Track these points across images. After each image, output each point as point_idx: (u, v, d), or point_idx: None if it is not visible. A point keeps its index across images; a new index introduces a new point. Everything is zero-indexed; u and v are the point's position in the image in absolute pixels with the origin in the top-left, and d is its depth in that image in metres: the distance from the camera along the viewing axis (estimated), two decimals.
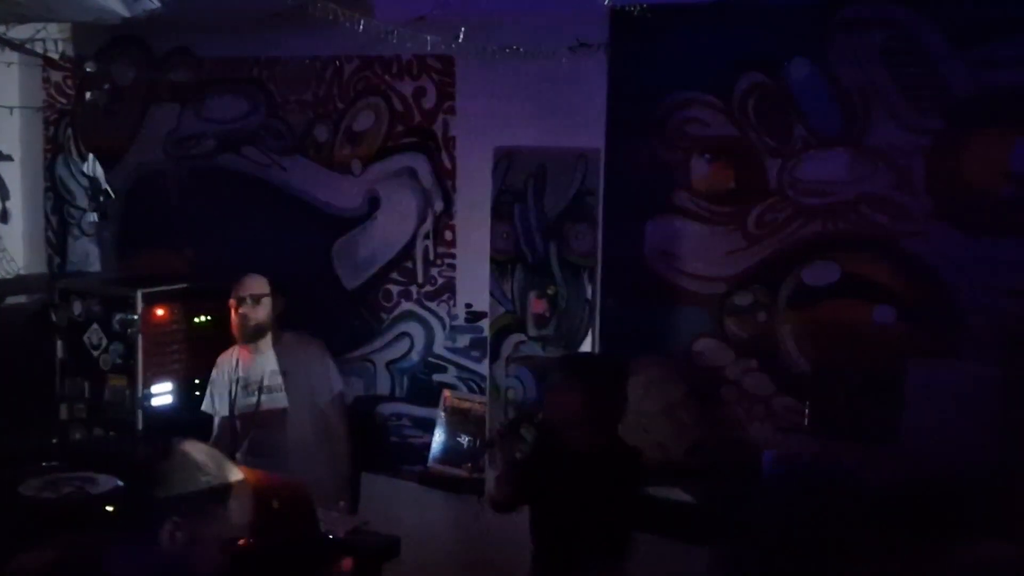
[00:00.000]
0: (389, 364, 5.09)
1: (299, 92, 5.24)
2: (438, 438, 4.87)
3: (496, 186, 4.50)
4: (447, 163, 4.86)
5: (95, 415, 5.03)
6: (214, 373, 4.69)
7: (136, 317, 4.90)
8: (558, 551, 3.68)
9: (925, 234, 3.83)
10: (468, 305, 4.84)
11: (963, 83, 3.74)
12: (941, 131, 3.78)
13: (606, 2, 4.02)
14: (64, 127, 6.07)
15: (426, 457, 4.89)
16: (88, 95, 5.82)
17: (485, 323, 4.67)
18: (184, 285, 5.16)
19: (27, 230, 6.20)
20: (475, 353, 4.82)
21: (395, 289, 5.05)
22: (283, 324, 4.69)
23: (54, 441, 5.01)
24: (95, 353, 5.02)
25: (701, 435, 4.24)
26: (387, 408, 5.10)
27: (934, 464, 3.67)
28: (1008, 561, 3.37)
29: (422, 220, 4.95)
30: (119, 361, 4.95)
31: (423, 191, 4.93)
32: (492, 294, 4.56)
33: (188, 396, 5.02)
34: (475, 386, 4.83)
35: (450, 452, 4.82)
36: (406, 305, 5.03)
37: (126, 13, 4.51)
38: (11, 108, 5.91)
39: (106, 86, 5.79)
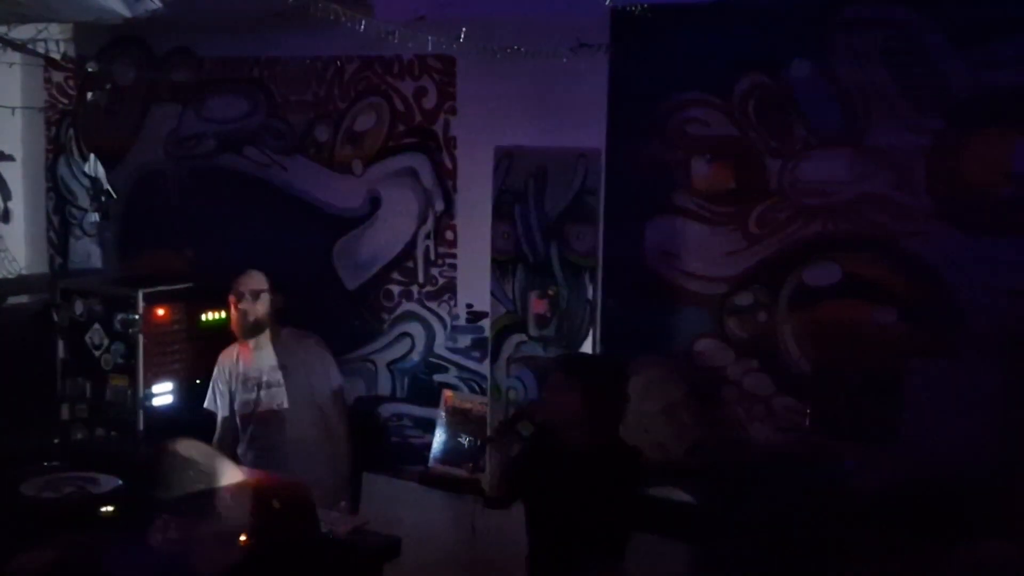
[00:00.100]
0: (390, 364, 5.09)
1: (300, 92, 5.25)
2: (439, 438, 4.87)
3: (497, 186, 4.50)
4: (448, 163, 4.86)
5: (96, 415, 5.04)
6: (216, 371, 4.70)
7: (137, 317, 4.90)
8: (555, 551, 3.68)
9: (925, 234, 3.83)
10: (469, 305, 4.85)
11: (963, 83, 3.74)
12: (941, 131, 3.78)
13: (607, 2, 4.02)
14: (66, 127, 6.07)
15: (427, 457, 4.90)
16: (89, 95, 5.82)
17: (486, 323, 4.68)
18: (185, 285, 5.17)
19: (29, 230, 6.21)
20: (476, 353, 4.83)
21: (396, 289, 5.05)
22: (283, 322, 4.69)
23: (55, 441, 5.01)
24: (96, 353, 5.03)
25: (701, 435, 4.24)
26: (388, 408, 5.10)
27: (934, 464, 3.68)
28: (1008, 560, 3.37)
29: (423, 220, 4.95)
30: (120, 361, 4.96)
31: (424, 191, 4.94)
32: (493, 294, 4.56)
33: (189, 396, 5.02)
34: (476, 386, 4.83)
35: (451, 452, 4.82)
36: (407, 305, 5.03)
37: (127, 13, 4.52)
38: (13, 108, 5.92)
39: (107, 86, 5.80)
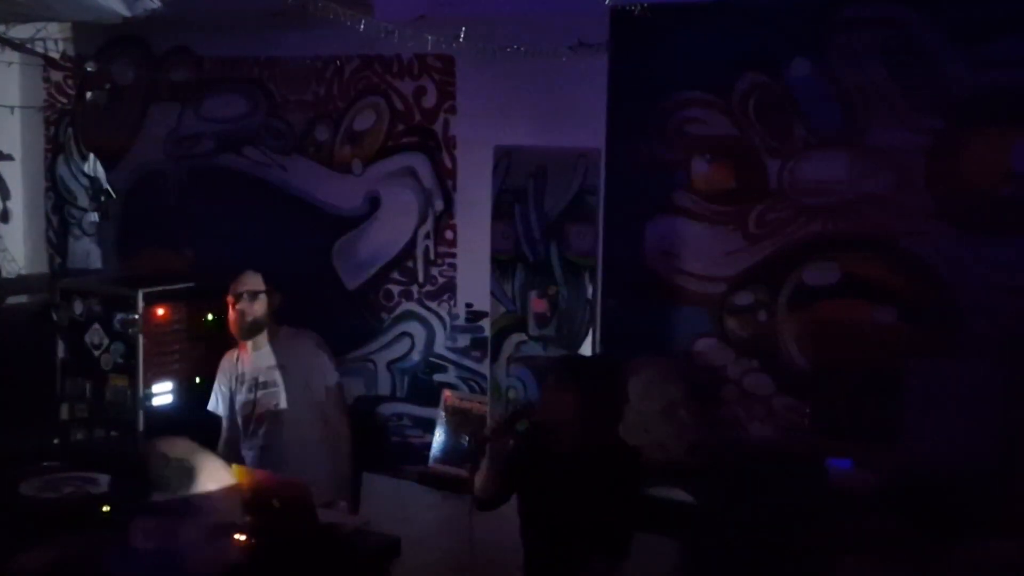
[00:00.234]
0: (390, 364, 5.09)
1: (299, 92, 5.24)
2: (439, 438, 4.87)
3: (496, 186, 4.50)
4: (448, 163, 4.86)
5: (96, 415, 5.03)
6: (218, 372, 4.70)
7: (137, 317, 4.90)
8: (552, 552, 3.68)
9: (925, 234, 3.84)
10: (469, 305, 4.84)
11: (963, 83, 3.74)
12: (941, 130, 3.78)
13: (607, 1, 4.02)
14: (65, 127, 6.07)
15: (427, 457, 4.90)
16: (89, 95, 5.82)
17: (486, 323, 4.68)
18: (185, 285, 5.16)
19: (28, 230, 6.20)
20: (476, 353, 4.83)
21: (396, 289, 5.05)
22: (281, 321, 4.69)
23: (55, 441, 5.01)
24: (96, 353, 5.02)
25: (701, 435, 4.24)
26: (388, 408, 5.10)
27: (933, 463, 3.68)
28: (1008, 559, 3.37)
29: (423, 220, 4.95)
30: (120, 361, 4.95)
31: (423, 191, 4.93)
32: (493, 294, 4.56)
33: (189, 396, 5.02)
34: (476, 386, 4.83)
35: (451, 452, 4.82)
36: (407, 305, 5.03)
37: (126, 13, 4.51)
38: (12, 108, 5.91)
39: (107, 86, 5.80)
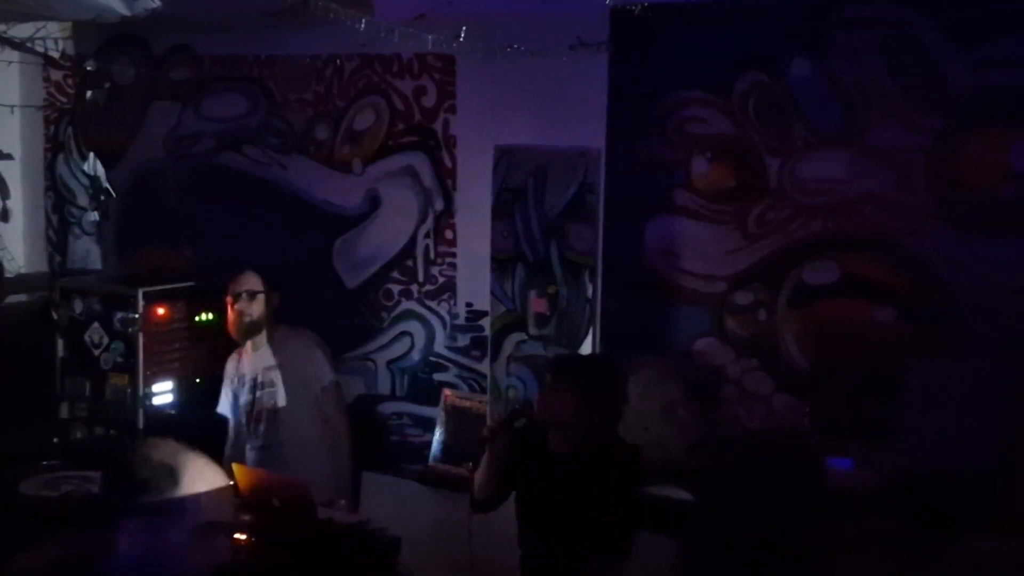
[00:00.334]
0: (390, 363, 5.09)
1: (299, 91, 5.24)
2: (439, 437, 4.87)
3: (496, 185, 4.50)
4: (448, 162, 4.86)
5: (96, 414, 5.04)
6: (224, 374, 4.73)
7: (137, 316, 4.90)
8: (552, 553, 3.68)
9: (925, 233, 3.84)
10: (469, 304, 4.84)
11: (963, 82, 3.74)
12: (941, 130, 3.78)
13: (607, 1, 4.02)
14: (64, 126, 6.07)
15: (427, 456, 4.90)
16: (88, 94, 5.82)
17: (486, 322, 4.68)
18: (185, 284, 5.16)
19: (28, 229, 6.20)
20: (476, 352, 4.83)
21: (396, 288, 5.05)
22: (281, 321, 4.69)
23: (55, 440, 5.01)
24: (96, 352, 5.03)
25: (701, 434, 4.24)
26: (388, 407, 5.10)
27: (933, 462, 3.68)
28: (1007, 559, 3.37)
29: (423, 219, 4.95)
30: (120, 360, 4.96)
31: (424, 190, 4.93)
32: (493, 293, 4.56)
33: (189, 395, 5.03)
34: (476, 385, 4.83)
35: (451, 451, 4.82)
36: (407, 304, 5.03)
37: (126, 12, 4.51)
38: (12, 107, 5.90)
39: (106, 85, 5.79)
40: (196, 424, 4.88)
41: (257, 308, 4.59)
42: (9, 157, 6.09)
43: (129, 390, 4.94)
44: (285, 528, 3.55)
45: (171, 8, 4.52)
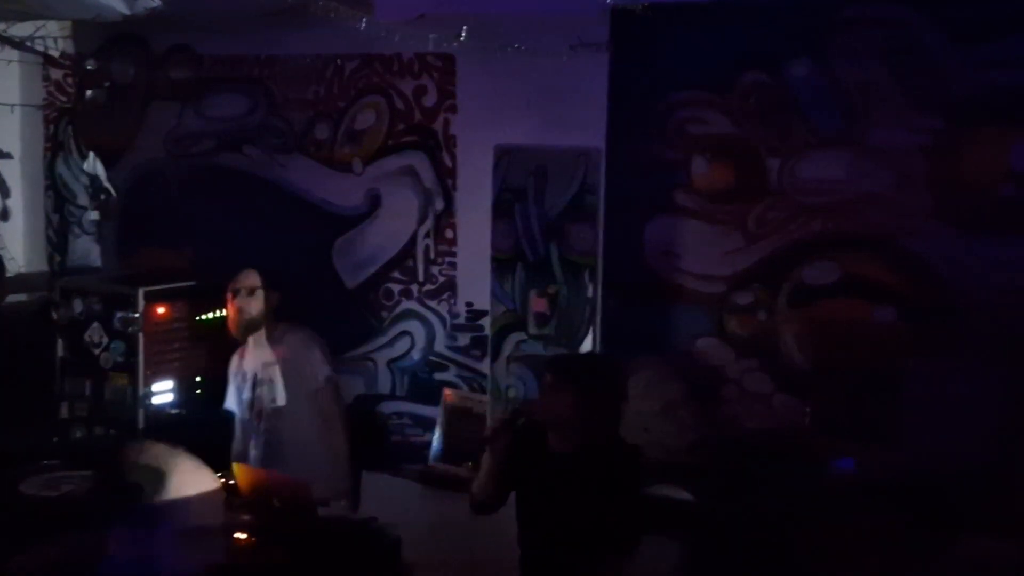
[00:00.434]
0: (390, 363, 5.09)
1: (300, 90, 5.24)
2: (438, 437, 4.87)
3: (497, 185, 4.50)
4: (448, 162, 4.86)
5: (96, 413, 5.03)
6: (229, 371, 4.73)
7: (137, 315, 4.90)
8: (553, 554, 3.68)
9: (925, 233, 3.83)
10: (469, 304, 4.84)
11: (964, 82, 3.74)
12: (941, 130, 3.78)
13: (607, 0, 4.02)
14: (64, 125, 6.06)
15: (427, 456, 4.90)
16: (88, 93, 5.82)
17: (486, 322, 4.68)
18: (185, 283, 5.16)
19: (27, 228, 6.20)
20: (476, 352, 4.83)
21: (396, 288, 5.05)
22: (281, 319, 4.69)
23: (54, 439, 5.01)
24: (96, 351, 5.02)
25: (702, 434, 4.24)
26: (388, 406, 5.10)
27: (933, 462, 3.68)
28: (1007, 559, 3.38)
29: (423, 219, 4.95)
30: (120, 359, 4.95)
31: (424, 190, 4.93)
32: (493, 293, 4.56)
33: (189, 394, 5.03)
34: (476, 385, 4.83)
35: (451, 451, 4.82)
36: (407, 304, 5.03)
37: (126, 11, 4.51)
38: (11, 106, 5.90)
39: (106, 84, 5.79)
40: (197, 423, 4.89)
41: (256, 305, 4.58)
42: (8, 156, 6.09)
43: (129, 390, 4.94)
44: (285, 527, 3.55)
45: (171, 7, 4.52)
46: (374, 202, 5.08)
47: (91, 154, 5.71)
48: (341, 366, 4.85)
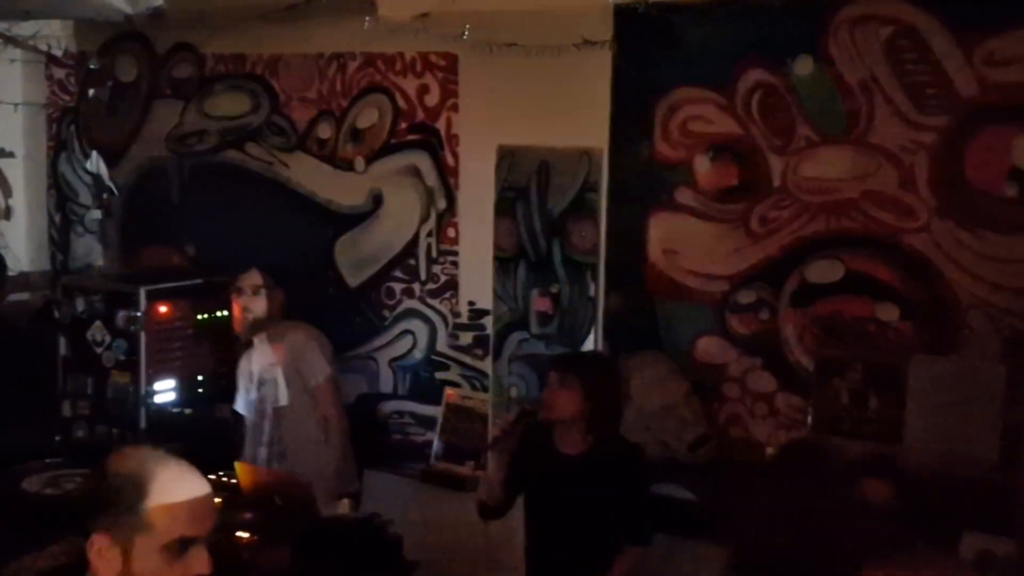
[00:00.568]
0: (392, 362, 5.09)
1: (302, 89, 5.24)
2: (440, 436, 4.87)
3: (499, 183, 4.50)
4: (450, 160, 4.86)
5: (98, 412, 5.04)
6: (238, 372, 4.74)
7: (139, 314, 4.90)
8: (554, 548, 3.68)
9: (929, 232, 3.83)
10: (471, 303, 4.84)
11: (968, 81, 3.72)
12: (945, 129, 3.77)
13: None
14: (67, 124, 6.07)
15: (428, 455, 4.90)
16: (91, 92, 5.82)
17: (488, 321, 4.67)
18: (187, 282, 5.16)
19: (30, 227, 6.21)
20: (478, 351, 4.82)
21: (398, 287, 5.05)
22: (285, 318, 4.70)
23: (57, 438, 5.02)
24: (98, 350, 5.02)
25: (703, 433, 4.23)
26: (389, 405, 5.10)
27: (934, 462, 3.67)
28: (1008, 558, 3.37)
29: (425, 217, 4.95)
30: (122, 358, 4.95)
31: (426, 188, 4.93)
32: (495, 292, 4.55)
33: (191, 393, 5.03)
34: (478, 384, 4.83)
35: (452, 450, 4.82)
36: (409, 303, 5.02)
37: (129, 10, 4.53)
38: (14, 105, 5.91)
39: (109, 83, 5.80)
40: (197, 422, 4.90)
41: (261, 304, 4.59)
42: (11, 155, 6.10)
43: (131, 388, 4.94)
44: (287, 526, 3.55)
45: (174, 6, 4.53)
46: (376, 201, 5.08)
47: (94, 153, 5.71)
48: (343, 365, 4.85)
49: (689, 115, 4.24)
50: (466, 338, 4.87)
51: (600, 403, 3.68)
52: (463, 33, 4.07)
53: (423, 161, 4.92)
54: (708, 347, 4.26)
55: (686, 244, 4.28)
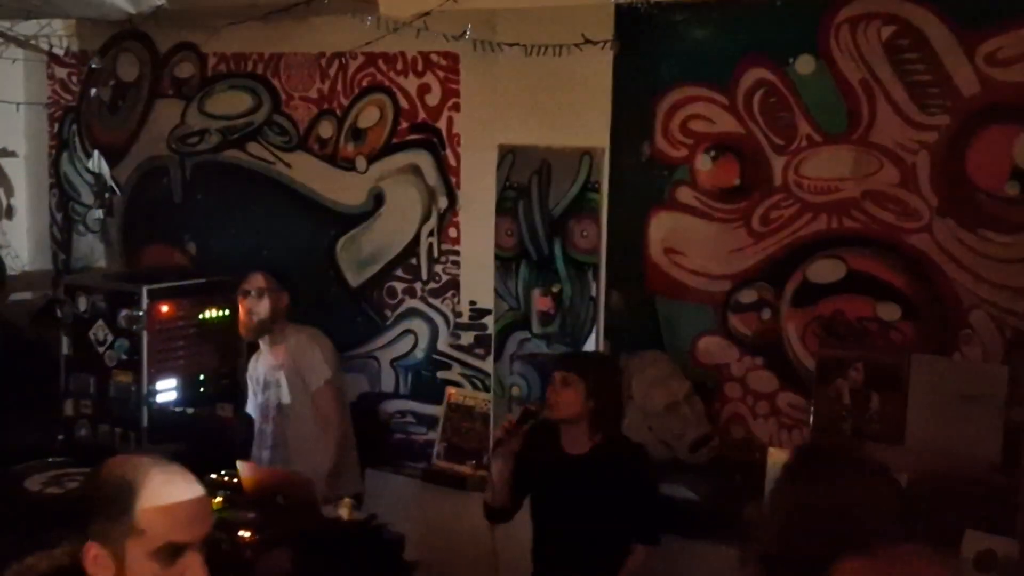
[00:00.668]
0: (393, 361, 5.09)
1: (304, 88, 5.24)
2: (442, 435, 4.87)
3: (500, 183, 4.50)
4: (452, 160, 4.86)
5: (100, 411, 5.04)
6: (247, 375, 4.74)
7: (141, 313, 4.90)
8: (559, 548, 3.68)
9: (930, 231, 3.82)
10: (472, 302, 4.84)
11: (969, 80, 3.72)
12: (947, 128, 3.77)
13: None
14: (69, 123, 6.07)
15: (430, 454, 4.90)
16: (93, 91, 5.82)
17: (489, 320, 4.67)
18: (189, 281, 5.17)
19: (32, 226, 6.21)
20: (479, 350, 4.82)
21: (399, 286, 5.05)
22: (289, 320, 4.70)
23: (59, 437, 5.02)
24: (100, 349, 5.03)
25: (705, 432, 4.23)
26: (391, 405, 5.10)
27: (936, 461, 3.67)
28: (1009, 558, 3.37)
29: (426, 217, 4.95)
30: (124, 357, 4.96)
31: (427, 188, 4.93)
32: (496, 291, 4.55)
33: (193, 393, 5.03)
34: (479, 383, 4.83)
35: (454, 449, 4.82)
36: (410, 302, 5.02)
37: (131, 9, 4.52)
38: (16, 104, 5.91)
39: (111, 82, 5.80)
40: (198, 421, 4.90)
41: (264, 307, 4.59)
42: (13, 154, 6.10)
43: (133, 387, 4.94)
44: (289, 525, 3.56)
45: (176, 5, 4.53)
46: (378, 200, 5.08)
47: (95, 152, 5.71)
48: (345, 364, 4.85)
49: (690, 114, 4.24)
50: (467, 337, 4.87)
51: (604, 403, 3.68)
52: (464, 32, 4.06)
53: (424, 160, 4.92)
54: (709, 347, 4.27)
55: (687, 243, 4.28)
